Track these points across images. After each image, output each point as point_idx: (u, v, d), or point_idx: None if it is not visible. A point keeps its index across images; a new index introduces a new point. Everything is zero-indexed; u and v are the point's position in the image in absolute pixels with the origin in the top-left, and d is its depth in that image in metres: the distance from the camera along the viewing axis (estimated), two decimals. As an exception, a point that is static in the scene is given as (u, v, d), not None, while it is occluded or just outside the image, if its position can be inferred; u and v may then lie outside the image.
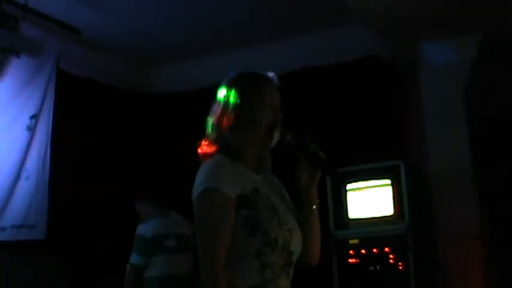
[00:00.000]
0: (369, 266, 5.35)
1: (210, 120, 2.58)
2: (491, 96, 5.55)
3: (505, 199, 5.41)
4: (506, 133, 5.50)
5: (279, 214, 2.44)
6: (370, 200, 5.45)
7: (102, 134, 6.27)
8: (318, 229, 2.62)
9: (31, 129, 5.63)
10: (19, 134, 5.59)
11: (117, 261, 5.33)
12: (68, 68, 5.91)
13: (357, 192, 5.49)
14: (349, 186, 5.50)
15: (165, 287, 5.15)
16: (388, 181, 5.40)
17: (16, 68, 5.51)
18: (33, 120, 5.64)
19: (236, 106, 2.52)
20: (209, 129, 2.57)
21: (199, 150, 2.57)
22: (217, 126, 2.54)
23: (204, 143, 2.57)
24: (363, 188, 5.49)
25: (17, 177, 5.53)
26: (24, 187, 5.55)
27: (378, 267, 5.32)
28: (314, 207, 2.60)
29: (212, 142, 2.55)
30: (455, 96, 5.63)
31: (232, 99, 2.55)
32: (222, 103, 2.56)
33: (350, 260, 5.39)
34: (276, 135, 2.54)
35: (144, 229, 5.18)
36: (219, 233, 2.33)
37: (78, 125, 6.04)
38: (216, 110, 2.57)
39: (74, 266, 5.72)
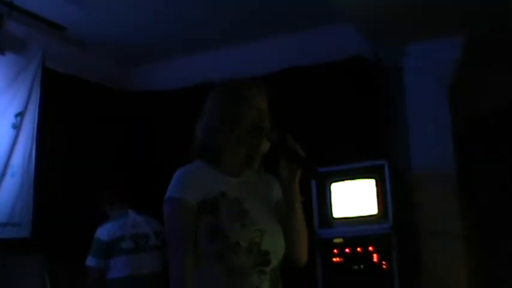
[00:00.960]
0: (352, 265, 5.37)
1: (198, 124, 2.65)
2: (475, 96, 5.58)
3: (488, 198, 5.46)
4: (490, 133, 5.54)
5: (247, 216, 2.49)
6: (354, 199, 5.47)
7: (88, 132, 6.27)
8: (303, 227, 2.67)
9: (16, 127, 5.61)
10: (4, 131, 5.57)
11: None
12: (54, 66, 5.90)
13: (341, 191, 5.52)
14: (333, 185, 5.51)
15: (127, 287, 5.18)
16: (372, 180, 5.42)
17: (1, 65, 5.50)
18: (18, 118, 5.63)
19: (222, 109, 2.60)
20: (197, 134, 2.65)
21: (189, 153, 2.65)
22: (203, 129, 2.62)
23: (192, 146, 2.65)
24: (347, 187, 5.51)
25: (2, 174, 5.51)
26: (10, 185, 5.54)
27: (362, 266, 5.34)
28: (297, 205, 2.63)
29: (198, 145, 2.63)
30: (439, 97, 5.64)
31: (218, 102, 2.63)
32: (208, 107, 2.66)
33: (334, 259, 5.41)
34: (265, 139, 2.58)
35: (101, 233, 5.21)
36: (182, 239, 2.44)
37: (64, 122, 6.03)
38: (203, 114, 2.65)
39: (58, 264, 5.71)
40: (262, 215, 2.56)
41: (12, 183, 5.55)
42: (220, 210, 2.47)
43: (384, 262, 5.27)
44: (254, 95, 2.63)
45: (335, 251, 5.42)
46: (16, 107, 5.64)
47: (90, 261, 5.17)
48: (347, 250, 5.39)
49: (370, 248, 5.33)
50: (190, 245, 2.42)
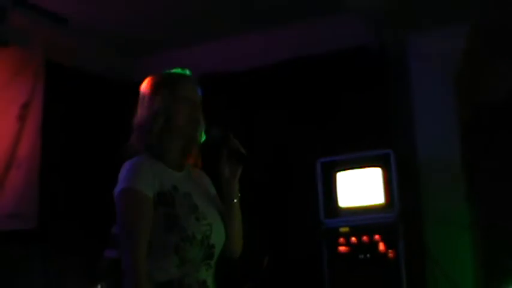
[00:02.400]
0: (359, 254, 5.36)
1: (135, 119, 2.67)
2: (481, 85, 5.56)
3: (495, 187, 5.44)
4: (496, 122, 5.51)
5: (198, 210, 2.54)
6: (360, 188, 5.46)
7: (91, 124, 6.25)
8: (239, 222, 2.73)
9: (21, 119, 5.62)
10: (10, 123, 5.57)
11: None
12: (57, 58, 5.90)
13: (346, 180, 5.51)
14: (338, 174, 5.51)
15: None
16: (378, 169, 5.41)
17: (5, 58, 5.50)
18: (23, 110, 5.63)
19: (152, 105, 2.62)
20: (134, 128, 2.66)
21: (125, 152, 2.65)
22: (138, 128, 2.64)
23: (129, 143, 2.66)
24: (353, 176, 5.50)
25: (8, 166, 5.51)
26: (15, 176, 5.54)
27: (368, 255, 5.33)
28: (235, 201, 2.70)
29: (135, 143, 2.64)
30: (445, 85, 5.63)
31: (148, 99, 2.64)
32: (141, 103, 2.67)
33: (340, 248, 5.39)
34: (199, 129, 2.65)
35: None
36: (138, 231, 2.43)
37: (67, 114, 6.03)
38: (138, 110, 2.68)
39: (63, 255, 5.72)
40: (209, 209, 2.61)
41: (18, 175, 5.55)
42: (175, 203, 2.50)
43: (390, 251, 5.26)
44: (184, 86, 2.67)
45: (341, 240, 5.40)
46: (20, 99, 5.64)
47: (111, 252, 5.13)
48: (353, 239, 5.37)
49: (376, 237, 5.32)
50: (146, 236, 2.42)
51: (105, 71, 6.54)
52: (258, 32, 6.21)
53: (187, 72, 2.75)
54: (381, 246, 5.30)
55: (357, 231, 5.39)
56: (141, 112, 2.64)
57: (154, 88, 2.66)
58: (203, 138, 2.67)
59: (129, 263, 2.39)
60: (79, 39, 6.19)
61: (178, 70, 2.76)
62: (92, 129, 6.26)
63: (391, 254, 5.26)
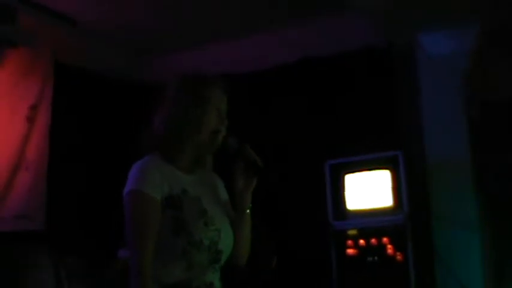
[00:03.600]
0: (367, 257, 5.36)
1: (157, 117, 2.61)
2: (490, 84, 5.54)
3: (504, 188, 5.42)
4: (504, 122, 5.49)
5: (206, 215, 2.51)
6: (368, 190, 5.45)
7: (100, 125, 6.26)
8: (248, 232, 2.71)
9: (30, 120, 5.63)
10: (18, 124, 5.58)
11: (116, 252, 5.33)
12: (65, 59, 5.91)
13: (355, 182, 5.50)
14: (347, 176, 5.50)
15: None
16: (387, 171, 5.41)
17: (13, 59, 5.50)
18: (31, 111, 5.64)
19: (188, 106, 2.57)
20: (155, 126, 2.61)
21: (140, 144, 2.62)
22: (165, 123, 2.58)
23: (146, 139, 2.62)
24: (361, 178, 5.49)
25: (17, 167, 5.52)
26: (24, 178, 5.55)
27: (376, 258, 5.32)
28: (247, 211, 2.68)
29: (153, 140, 2.60)
30: (453, 86, 5.60)
31: (183, 98, 2.59)
32: (172, 101, 2.61)
33: (348, 251, 5.39)
34: (219, 141, 2.61)
35: None
36: (145, 233, 2.42)
37: (75, 115, 6.03)
38: (165, 107, 2.61)
39: (71, 256, 5.72)
40: (217, 214, 2.58)
41: (26, 176, 5.56)
42: (184, 207, 2.47)
43: (398, 253, 5.26)
44: (216, 95, 2.62)
45: (349, 242, 5.40)
46: (29, 100, 5.65)
47: (124, 252, 5.12)
48: (361, 242, 5.37)
49: (385, 240, 5.31)
50: (153, 239, 2.41)
51: (113, 72, 6.54)
52: (265, 33, 6.19)
53: (219, 77, 2.69)
54: (389, 249, 5.29)
55: (365, 233, 5.38)
56: (164, 111, 2.59)
57: (187, 90, 2.61)
58: (218, 145, 2.63)
59: (135, 265, 2.38)
60: (87, 40, 6.19)
61: (209, 74, 2.69)
62: (100, 130, 6.26)
63: (399, 256, 5.25)
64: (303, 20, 5.99)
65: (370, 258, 5.36)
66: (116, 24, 6.00)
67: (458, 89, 5.60)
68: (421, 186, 5.53)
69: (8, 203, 5.44)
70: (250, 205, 2.68)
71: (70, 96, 5.97)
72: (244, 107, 6.06)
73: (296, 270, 5.64)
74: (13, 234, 5.44)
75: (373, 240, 5.35)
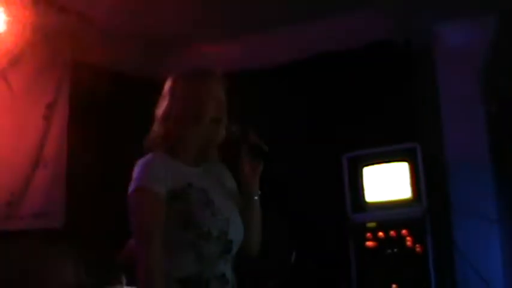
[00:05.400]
0: (386, 249, 5.35)
1: (157, 114, 2.66)
2: (508, 77, 5.50)
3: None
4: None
5: (214, 205, 2.51)
6: (387, 182, 5.44)
7: (117, 122, 6.27)
8: (258, 220, 2.71)
9: (47, 118, 5.66)
10: (35, 123, 5.61)
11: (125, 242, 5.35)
12: (82, 56, 5.92)
13: (373, 175, 5.49)
14: (365, 169, 5.50)
15: None
16: (405, 164, 5.40)
17: (30, 57, 5.52)
18: (49, 110, 5.66)
19: (184, 99, 2.61)
20: (156, 123, 2.65)
21: (144, 143, 2.65)
22: (164, 119, 2.62)
23: (149, 136, 2.66)
24: (380, 171, 5.48)
25: (35, 166, 5.55)
26: (42, 176, 5.58)
27: (396, 250, 5.32)
28: (255, 198, 2.68)
29: (157, 136, 2.63)
30: (471, 78, 5.58)
31: (179, 92, 2.63)
32: (168, 96, 2.65)
33: (367, 243, 5.39)
34: (222, 129, 2.62)
35: None
36: (151, 230, 2.41)
37: (93, 113, 6.03)
38: (163, 103, 2.65)
39: (91, 254, 5.74)
40: (225, 204, 2.59)
41: (44, 174, 5.59)
42: (190, 199, 2.48)
43: (417, 246, 5.25)
44: (214, 85, 2.65)
45: (368, 235, 5.40)
46: (46, 98, 5.67)
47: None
48: (380, 234, 5.37)
49: (404, 232, 5.30)
50: (159, 235, 2.40)
51: (131, 69, 6.54)
52: (283, 29, 6.18)
53: (216, 70, 2.73)
54: (409, 241, 5.28)
55: (384, 226, 5.38)
56: (168, 105, 2.62)
57: (184, 82, 2.65)
58: (223, 135, 2.64)
59: (144, 263, 2.37)
60: (104, 38, 6.19)
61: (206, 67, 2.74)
62: (117, 127, 6.27)
63: (418, 248, 5.24)
64: (318, 16, 5.97)
65: (389, 251, 5.35)
66: (134, 22, 6.00)
67: (477, 81, 5.58)
68: (439, 177, 5.52)
69: (26, 201, 5.46)
70: (259, 192, 2.69)
71: (88, 93, 5.97)
72: (261, 103, 6.06)
73: (315, 264, 5.64)
74: (32, 232, 5.46)
75: (392, 233, 5.34)
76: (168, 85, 2.68)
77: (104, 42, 6.21)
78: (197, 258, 2.44)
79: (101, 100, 6.10)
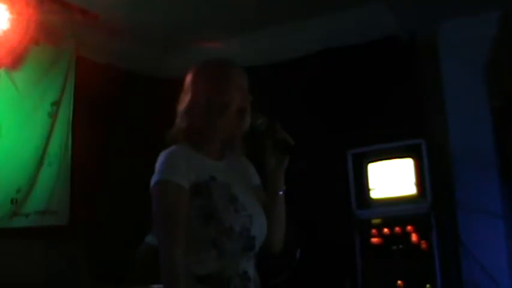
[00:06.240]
0: (391, 246, 5.35)
1: (180, 108, 2.60)
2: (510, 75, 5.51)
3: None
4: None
5: (237, 201, 2.47)
6: (392, 179, 5.44)
7: (122, 119, 6.27)
8: (283, 216, 2.66)
9: (52, 116, 5.66)
10: (41, 120, 5.61)
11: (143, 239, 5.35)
12: (87, 54, 5.93)
13: (378, 171, 5.48)
14: (370, 165, 5.49)
15: None
16: (410, 160, 5.39)
17: (35, 55, 5.52)
18: (54, 107, 5.67)
19: (207, 90, 2.55)
20: (178, 117, 2.59)
21: (166, 138, 2.59)
22: (187, 112, 2.56)
23: (172, 130, 2.60)
24: (385, 167, 5.47)
25: (40, 163, 5.55)
26: (47, 173, 5.60)
27: (401, 246, 5.31)
28: (280, 193, 2.63)
29: (180, 130, 2.57)
30: (476, 73, 5.58)
31: (202, 84, 2.58)
32: (191, 90, 2.59)
33: (372, 240, 5.39)
34: (247, 119, 2.57)
35: None
36: (173, 223, 2.37)
37: (98, 110, 6.04)
38: (186, 97, 2.59)
39: (96, 251, 5.75)
40: (249, 200, 2.54)
41: (49, 171, 5.61)
42: (213, 194, 2.43)
43: (423, 242, 5.24)
44: (237, 75, 2.61)
45: (373, 231, 5.40)
46: (51, 96, 5.68)
47: (151, 239, 5.13)
48: (385, 230, 5.36)
49: (409, 228, 5.30)
50: (182, 228, 2.36)
51: (135, 66, 6.55)
52: (287, 24, 6.18)
53: (234, 60, 2.68)
54: (414, 237, 5.28)
55: (389, 222, 5.38)
56: (192, 99, 2.57)
57: (207, 74, 2.60)
58: (247, 126, 2.59)
59: (166, 257, 2.34)
60: (109, 35, 6.20)
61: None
62: (123, 124, 6.28)
63: (424, 244, 5.24)
64: (324, 11, 5.96)
65: (394, 247, 5.35)
66: (138, 19, 6.00)
67: (481, 77, 5.57)
68: (444, 174, 5.51)
69: (32, 199, 5.47)
70: (284, 187, 2.64)
71: (93, 91, 5.97)
72: (266, 97, 6.05)
73: (320, 259, 5.64)
74: (38, 230, 5.47)
75: (397, 229, 5.33)
76: (189, 78, 2.62)
77: (109, 40, 6.22)
78: (218, 255, 2.39)
79: (106, 97, 6.10)
